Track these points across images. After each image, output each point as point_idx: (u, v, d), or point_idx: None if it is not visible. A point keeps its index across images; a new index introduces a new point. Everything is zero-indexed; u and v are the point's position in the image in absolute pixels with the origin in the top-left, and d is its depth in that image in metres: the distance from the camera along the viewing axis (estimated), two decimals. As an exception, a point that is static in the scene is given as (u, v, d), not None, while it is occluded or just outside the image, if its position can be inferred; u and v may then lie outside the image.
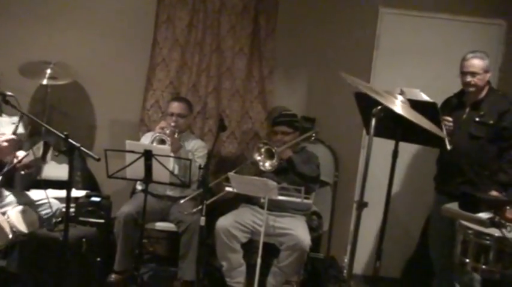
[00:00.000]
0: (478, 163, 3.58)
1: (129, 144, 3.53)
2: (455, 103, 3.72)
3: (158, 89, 4.53)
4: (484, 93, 3.63)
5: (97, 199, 3.97)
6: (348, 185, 4.53)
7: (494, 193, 3.47)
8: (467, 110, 3.64)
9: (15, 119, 3.39)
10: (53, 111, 4.44)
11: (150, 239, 4.50)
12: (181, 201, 3.95)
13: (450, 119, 3.51)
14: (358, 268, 4.38)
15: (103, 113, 4.67)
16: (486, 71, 3.58)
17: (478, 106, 3.61)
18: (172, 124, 4.03)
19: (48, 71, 4.19)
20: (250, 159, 4.05)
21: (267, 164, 3.79)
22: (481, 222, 2.47)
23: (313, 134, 4.11)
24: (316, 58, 4.60)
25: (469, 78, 3.58)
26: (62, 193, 2.96)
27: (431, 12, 4.54)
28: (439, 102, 3.03)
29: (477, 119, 3.57)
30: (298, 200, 3.55)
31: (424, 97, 3.10)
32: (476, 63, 3.57)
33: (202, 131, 4.56)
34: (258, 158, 3.81)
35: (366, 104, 2.86)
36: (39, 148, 3.16)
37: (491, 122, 3.53)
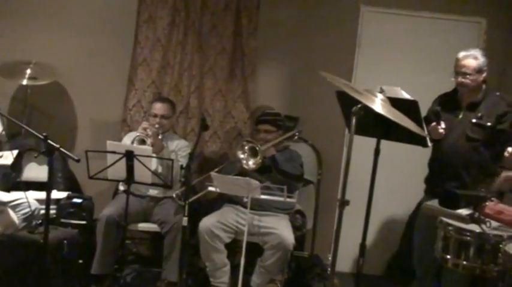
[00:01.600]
0: (473, 166, 3.47)
1: (110, 144, 3.50)
2: (450, 101, 3.62)
3: (140, 88, 4.50)
4: (480, 94, 3.51)
5: (79, 201, 3.92)
6: (331, 183, 4.54)
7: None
8: (463, 110, 3.53)
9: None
10: (34, 112, 4.40)
11: (133, 240, 4.47)
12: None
13: (443, 125, 3.43)
14: (342, 265, 4.39)
15: (84, 114, 4.63)
16: (479, 71, 3.45)
17: (476, 107, 3.49)
18: (156, 126, 4.00)
19: (28, 71, 4.15)
20: (233, 158, 4.04)
21: (251, 162, 3.78)
22: (461, 218, 2.49)
23: (297, 133, 4.11)
24: (298, 57, 4.61)
25: (460, 79, 3.47)
26: (43, 195, 2.93)
27: (412, 11, 4.57)
28: (421, 99, 3.03)
29: (474, 120, 3.45)
30: (281, 199, 3.55)
31: (405, 95, 3.11)
32: (468, 63, 3.46)
33: (185, 130, 4.54)
34: (242, 156, 3.80)
35: (347, 102, 2.86)
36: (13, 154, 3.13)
37: (489, 124, 3.40)
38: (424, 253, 3.72)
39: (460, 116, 3.53)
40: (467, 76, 3.45)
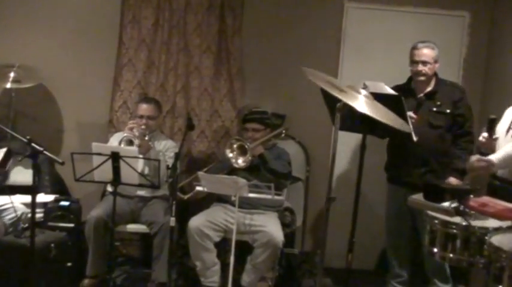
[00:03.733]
0: (439, 152, 3.67)
1: (96, 146, 3.49)
2: (405, 92, 3.65)
3: (126, 89, 4.49)
4: (433, 83, 3.72)
5: (66, 203, 3.90)
6: (319, 180, 4.53)
7: (452, 180, 3.54)
8: (421, 100, 3.67)
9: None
10: (19, 116, 4.37)
11: (122, 241, 4.45)
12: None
13: (414, 115, 3.51)
14: (332, 261, 4.41)
15: (70, 116, 4.60)
16: (436, 60, 3.67)
17: (433, 96, 3.69)
18: (143, 127, 3.99)
19: (12, 74, 4.12)
20: (221, 157, 4.03)
21: (240, 160, 3.79)
22: (446, 211, 2.50)
23: (284, 131, 4.12)
24: (283, 54, 4.60)
25: (420, 67, 3.65)
26: (30, 198, 2.92)
27: (396, 6, 4.59)
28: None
29: (434, 109, 3.65)
30: (269, 197, 3.55)
31: (389, 90, 3.13)
32: (428, 52, 3.65)
33: (171, 130, 4.53)
34: (230, 155, 3.80)
35: (332, 99, 2.87)
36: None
37: (448, 111, 3.63)
38: (397, 241, 3.89)
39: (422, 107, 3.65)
40: (427, 65, 3.65)
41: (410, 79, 3.82)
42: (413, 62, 3.69)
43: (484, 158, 2.90)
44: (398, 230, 3.94)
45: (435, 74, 3.74)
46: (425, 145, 3.59)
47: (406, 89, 3.72)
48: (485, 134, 3.04)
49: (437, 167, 3.68)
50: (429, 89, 3.72)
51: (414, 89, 3.75)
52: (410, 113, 3.46)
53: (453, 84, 3.83)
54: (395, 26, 4.61)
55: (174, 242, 3.64)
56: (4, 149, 3.13)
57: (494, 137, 2.98)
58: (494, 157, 2.88)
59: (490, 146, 3.05)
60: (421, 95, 3.70)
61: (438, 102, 3.66)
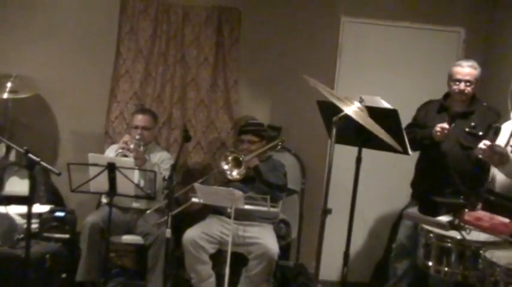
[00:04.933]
0: (467, 174, 3.55)
1: (92, 157, 3.49)
2: (439, 109, 3.68)
3: (122, 100, 4.50)
4: (470, 103, 3.60)
5: (61, 214, 3.89)
6: (315, 192, 4.54)
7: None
8: (455, 114, 3.57)
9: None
10: (15, 126, 4.36)
11: (117, 252, 4.42)
12: (148, 212, 3.92)
13: (446, 126, 3.46)
14: (328, 274, 4.40)
15: (67, 126, 4.60)
16: (477, 81, 3.58)
17: (469, 116, 3.57)
18: (138, 137, 3.99)
19: (9, 84, 4.12)
20: (216, 169, 4.04)
21: (235, 172, 3.79)
22: (441, 225, 2.51)
23: (280, 143, 4.13)
24: (280, 67, 4.63)
25: (463, 86, 3.54)
26: (25, 209, 2.91)
27: (392, 21, 4.63)
28: (401, 108, 3.07)
29: (467, 129, 3.53)
30: (265, 209, 3.56)
31: (385, 104, 3.15)
32: (472, 72, 3.55)
33: (168, 141, 4.54)
34: (225, 167, 3.81)
35: (328, 112, 2.89)
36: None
37: (480, 133, 3.47)
38: (406, 249, 3.76)
39: (453, 124, 3.58)
40: (470, 84, 3.55)
41: (446, 96, 3.72)
42: (456, 80, 3.57)
43: (497, 147, 2.85)
44: (410, 238, 3.76)
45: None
46: (454, 164, 3.54)
47: (440, 106, 3.67)
48: (487, 142, 3.04)
49: (462, 189, 3.52)
50: (465, 108, 3.60)
51: (449, 106, 3.65)
52: (443, 125, 3.44)
53: (490, 107, 3.65)
54: (391, 41, 4.65)
55: (169, 254, 3.62)
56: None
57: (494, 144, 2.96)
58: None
59: (489, 154, 3.04)
60: (456, 112, 3.60)
61: (472, 123, 3.53)
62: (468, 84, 3.56)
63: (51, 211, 3.93)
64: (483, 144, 3.00)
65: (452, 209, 2.53)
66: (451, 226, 2.46)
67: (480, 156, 3.10)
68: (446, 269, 2.54)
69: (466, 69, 3.57)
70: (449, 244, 2.52)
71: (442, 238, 2.54)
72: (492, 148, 2.92)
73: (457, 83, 3.58)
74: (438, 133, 3.50)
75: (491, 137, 2.99)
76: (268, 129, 4.31)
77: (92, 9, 4.55)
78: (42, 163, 2.76)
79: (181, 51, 4.51)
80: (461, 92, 3.57)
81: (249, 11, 4.56)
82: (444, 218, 2.56)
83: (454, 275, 2.53)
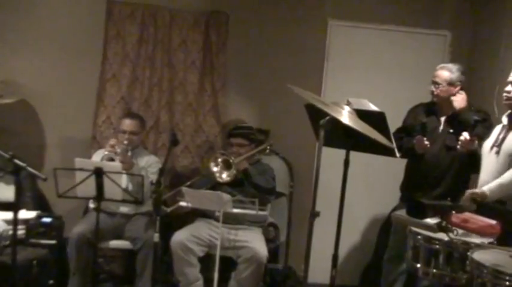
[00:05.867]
0: (452, 174, 3.61)
1: (79, 162, 3.46)
2: (428, 113, 3.72)
3: (109, 104, 4.47)
4: (459, 108, 3.59)
5: (48, 220, 3.85)
6: (303, 195, 4.55)
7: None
8: (442, 122, 3.66)
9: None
10: (0, 131, 4.30)
11: (105, 258, 4.40)
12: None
13: (425, 139, 3.54)
14: (316, 276, 4.40)
15: (53, 131, 4.56)
16: (451, 83, 3.59)
17: (454, 119, 3.60)
18: (125, 142, 3.97)
19: (-6, 89, 4.09)
20: (205, 172, 4.03)
21: (224, 175, 3.79)
22: (429, 227, 2.52)
23: (269, 146, 4.13)
24: (268, 71, 4.64)
25: (432, 88, 3.63)
26: (11, 215, 2.88)
27: (379, 24, 4.66)
28: (389, 111, 3.08)
29: (451, 130, 3.58)
30: (253, 212, 3.55)
31: (372, 107, 3.16)
32: (441, 74, 3.61)
33: (155, 145, 4.52)
34: (215, 169, 3.80)
35: (316, 115, 2.90)
36: None
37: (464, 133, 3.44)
38: (398, 253, 3.75)
39: (441, 128, 3.66)
40: (438, 86, 3.60)
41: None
42: (431, 82, 3.66)
43: (477, 192, 2.91)
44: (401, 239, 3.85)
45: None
46: (440, 167, 3.60)
47: (430, 109, 3.73)
48: (466, 135, 3.12)
49: (452, 189, 3.57)
50: (451, 111, 3.62)
51: (437, 110, 3.71)
52: (420, 137, 3.53)
53: (478, 109, 3.63)
54: (378, 44, 4.68)
55: (157, 258, 3.60)
56: None
57: (473, 138, 3.08)
58: (487, 188, 2.90)
59: (468, 147, 3.16)
60: (443, 117, 3.67)
61: (456, 125, 3.56)
62: (437, 86, 3.61)
63: (38, 217, 3.88)
64: (463, 137, 3.04)
65: (440, 211, 2.54)
66: (438, 228, 2.47)
67: (459, 147, 3.16)
68: (434, 271, 2.55)
69: (437, 72, 3.65)
70: (437, 246, 2.53)
71: (430, 240, 2.55)
72: (472, 140, 2.99)
73: (431, 85, 3.66)
74: (421, 147, 3.56)
75: (470, 130, 3.06)
76: (256, 133, 4.31)
77: (78, 14, 4.52)
78: (28, 168, 2.74)
79: (168, 55, 4.50)
80: (431, 93, 3.65)
81: (236, 15, 4.56)
82: (432, 220, 2.57)
83: (442, 277, 2.54)
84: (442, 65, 3.71)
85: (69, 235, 3.76)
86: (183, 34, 4.50)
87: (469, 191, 2.94)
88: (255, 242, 3.74)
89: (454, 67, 3.64)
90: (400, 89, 4.58)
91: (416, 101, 3.90)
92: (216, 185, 3.83)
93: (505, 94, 3.06)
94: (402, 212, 2.67)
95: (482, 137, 3.30)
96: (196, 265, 3.73)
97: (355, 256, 4.71)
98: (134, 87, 4.50)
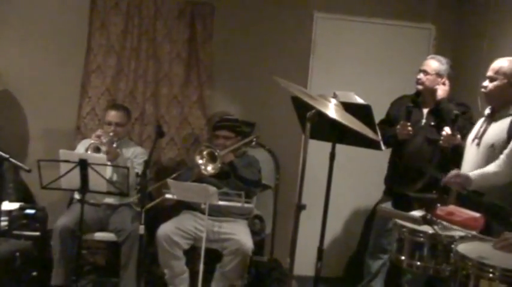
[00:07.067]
0: (435, 166, 3.60)
1: (63, 153, 3.43)
2: (410, 104, 3.70)
3: (94, 96, 4.43)
4: (439, 99, 3.66)
5: (31, 211, 3.83)
6: (289, 187, 4.56)
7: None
8: (424, 115, 3.68)
9: None
10: (-18, 122, 4.26)
11: (89, 250, 4.37)
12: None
13: (409, 124, 3.56)
14: (302, 269, 4.43)
15: (37, 122, 4.51)
16: (439, 74, 3.63)
17: (435, 111, 3.65)
18: (111, 134, 3.94)
19: (-24, 79, 4.03)
20: (190, 164, 4.02)
21: (209, 167, 3.78)
22: (414, 220, 2.54)
23: (255, 139, 4.12)
24: (253, 63, 4.63)
25: (419, 75, 3.66)
26: (-7, 207, 2.87)
27: (365, 17, 4.66)
28: (374, 104, 3.09)
29: (432, 123, 3.62)
30: (239, 204, 3.55)
31: (358, 100, 3.17)
32: (430, 63, 3.65)
33: (140, 137, 4.49)
34: (200, 161, 3.79)
35: (302, 108, 2.89)
36: None
37: (445, 126, 3.49)
38: (380, 246, 3.83)
39: (423, 121, 3.68)
40: (425, 75, 3.63)
41: (418, 92, 3.77)
42: (419, 71, 3.70)
43: (461, 173, 2.95)
44: (381, 235, 3.84)
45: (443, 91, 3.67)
46: (423, 159, 3.62)
47: (414, 101, 3.73)
48: (447, 129, 3.16)
49: (433, 182, 3.52)
50: (433, 104, 3.67)
51: (420, 102, 3.73)
52: (404, 123, 3.55)
53: (460, 103, 3.69)
54: (364, 37, 4.69)
55: (142, 250, 3.59)
56: None
57: (455, 133, 3.13)
58: (472, 174, 2.92)
59: (450, 141, 3.21)
60: (426, 109, 3.69)
61: (438, 117, 3.62)
62: (424, 74, 3.64)
63: (21, 209, 3.86)
64: (444, 131, 3.07)
65: (425, 204, 2.56)
66: (423, 220, 2.48)
67: (441, 142, 3.20)
68: (418, 263, 2.57)
69: (427, 61, 3.69)
70: (422, 239, 2.55)
71: (415, 232, 2.57)
72: (454, 135, 3.03)
73: (418, 73, 3.69)
74: (403, 132, 3.58)
75: (450, 124, 3.09)
76: (242, 125, 4.30)
77: (62, 4, 4.48)
78: (11, 159, 2.71)
79: (153, 46, 4.46)
80: (417, 81, 3.68)
81: (222, 6, 4.54)
82: (417, 213, 2.59)
83: (427, 269, 2.56)
84: (432, 55, 3.75)
85: (53, 226, 3.73)
86: (168, 25, 4.46)
87: (454, 172, 2.96)
88: (240, 234, 3.74)
89: (444, 60, 3.68)
90: (386, 82, 4.60)
91: (401, 94, 3.93)
92: (202, 177, 3.82)
93: (482, 90, 3.11)
94: (387, 205, 2.68)
95: (463, 130, 3.34)
96: (182, 258, 3.73)
97: (339, 248, 4.73)
98: (119, 79, 4.46)
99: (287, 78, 2.81)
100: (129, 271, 3.78)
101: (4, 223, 3.68)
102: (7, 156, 2.73)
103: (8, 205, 3.87)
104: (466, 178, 2.89)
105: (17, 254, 3.42)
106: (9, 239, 3.58)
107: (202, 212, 3.55)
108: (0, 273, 3.06)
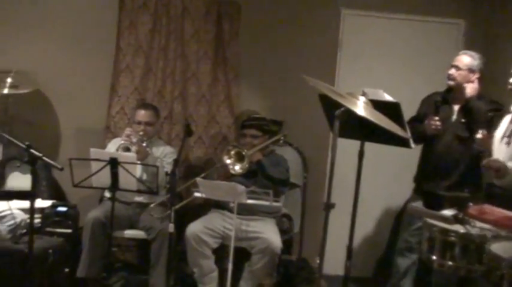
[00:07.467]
0: (463, 163, 3.56)
1: (94, 152, 3.48)
2: (440, 101, 3.65)
3: (123, 95, 4.49)
4: (470, 95, 3.59)
5: (63, 209, 3.90)
6: (317, 186, 4.54)
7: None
8: (455, 112, 3.62)
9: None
10: (16, 121, 4.34)
11: (120, 247, 4.43)
12: (151, 205, 3.91)
13: (437, 118, 3.50)
14: (330, 268, 4.40)
15: (68, 122, 4.59)
16: (471, 70, 3.55)
17: (466, 108, 3.58)
18: (141, 133, 3.99)
19: (9, 80, 4.09)
20: (218, 163, 4.04)
21: (237, 167, 3.79)
22: (445, 219, 2.50)
23: (282, 137, 4.12)
24: (280, 61, 4.62)
25: (451, 71, 3.58)
26: (27, 204, 2.91)
27: (392, 13, 4.62)
28: (403, 101, 3.06)
29: (463, 120, 3.55)
30: (267, 203, 3.55)
31: (387, 97, 3.14)
32: (463, 58, 3.58)
33: (169, 136, 4.53)
34: (228, 161, 3.80)
35: (330, 106, 2.88)
36: None
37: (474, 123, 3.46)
38: (409, 245, 3.77)
39: (454, 117, 3.61)
40: (457, 70, 3.55)
41: (449, 89, 3.70)
42: (451, 66, 3.62)
43: (501, 161, 2.90)
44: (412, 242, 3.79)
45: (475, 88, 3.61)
46: (452, 156, 3.57)
47: (443, 98, 3.67)
48: (484, 131, 3.09)
49: (460, 180, 3.55)
50: (464, 103, 3.59)
51: (450, 99, 3.66)
52: (432, 117, 3.49)
53: (492, 100, 3.59)
54: (391, 33, 4.64)
55: (172, 249, 3.63)
56: None
57: (490, 135, 3.04)
58: (510, 164, 2.87)
59: (487, 144, 3.11)
60: (457, 106, 3.63)
61: (468, 115, 3.55)
62: (456, 69, 3.56)
63: (54, 206, 3.93)
64: (480, 133, 3.02)
65: (457, 202, 2.51)
66: (455, 219, 2.44)
67: (475, 145, 3.14)
68: (450, 263, 2.52)
69: (459, 56, 3.61)
70: (453, 238, 2.50)
71: (446, 231, 2.52)
72: (490, 137, 2.94)
73: (450, 68, 3.61)
74: (432, 127, 3.52)
75: (485, 125, 3.03)
76: (269, 124, 4.30)
77: (91, 4, 4.54)
78: (44, 158, 2.76)
79: (181, 45, 4.49)
80: (448, 76, 3.59)
81: (248, 4, 4.55)
82: (448, 212, 2.55)
83: (458, 270, 2.51)
84: (464, 51, 3.67)
85: (85, 219, 3.79)
86: (195, 24, 4.50)
87: (492, 159, 2.91)
88: (268, 233, 3.74)
89: (476, 55, 3.60)
90: (415, 78, 4.55)
91: (430, 91, 3.87)
92: (231, 176, 3.83)
93: (509, 87, 3.04)
94: (418, 204, 2.64)
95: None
96: (211, 257, 3.74)
97: (368, 248, 4.70)
98: (148, 78, 4.51)
99: (314, 76, 2.80)
100: (158, 268, 3.82)
101: (37, 220, 3.75)
102: (40, 155, 2.77)
103: (41, 203, 3.95)
104: (505, 166, 2.84)
105: (50, 251, 3.48)
106: (42, 236, 3.64)
107: (231, 211, 3.56)
108: (33, 270, 3.10)
